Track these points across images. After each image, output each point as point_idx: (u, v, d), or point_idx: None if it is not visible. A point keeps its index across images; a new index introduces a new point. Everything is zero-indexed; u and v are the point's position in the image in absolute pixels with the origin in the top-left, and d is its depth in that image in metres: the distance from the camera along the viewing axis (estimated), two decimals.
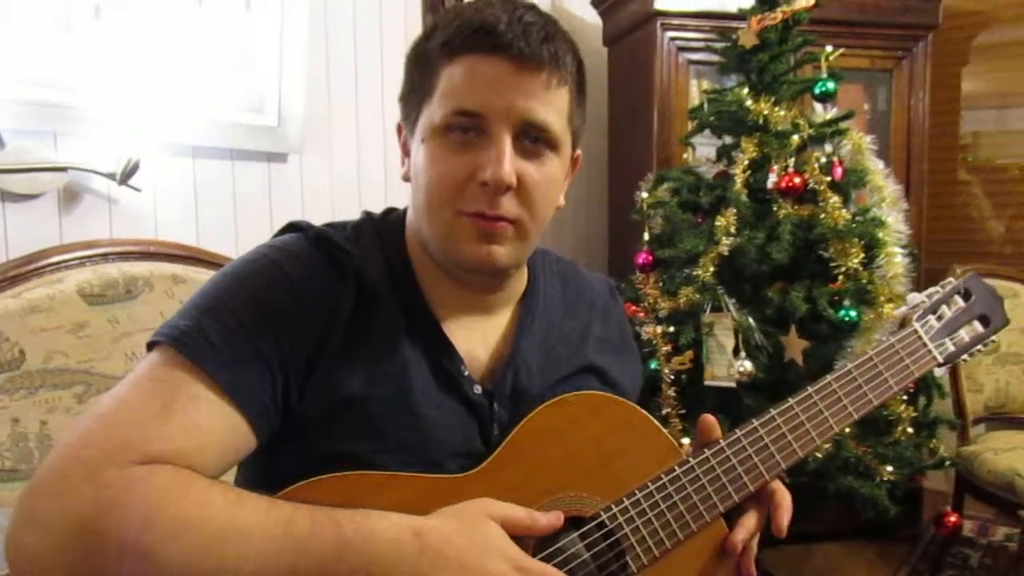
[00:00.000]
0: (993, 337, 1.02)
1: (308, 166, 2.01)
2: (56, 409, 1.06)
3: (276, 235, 0.84)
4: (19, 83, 1.45)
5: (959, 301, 1.01)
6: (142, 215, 1.67)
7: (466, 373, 0.82)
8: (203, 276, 1.22)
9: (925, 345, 0.96)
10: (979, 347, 1.01)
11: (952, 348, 0.98)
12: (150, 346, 0.74)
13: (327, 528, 0.66)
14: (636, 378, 1.00)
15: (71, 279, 1.12)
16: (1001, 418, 2.40)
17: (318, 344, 0.75)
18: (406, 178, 0.84)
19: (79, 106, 1.53)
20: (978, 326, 1.01)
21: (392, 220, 0.87)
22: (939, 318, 0.99)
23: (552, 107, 0.76)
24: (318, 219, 0.87)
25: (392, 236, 0.84)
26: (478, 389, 0.82)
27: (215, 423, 0.70)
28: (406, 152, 0.84)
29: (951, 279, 1.04)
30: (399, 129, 0.85)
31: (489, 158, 0.74)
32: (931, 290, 1.03)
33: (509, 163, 0.74)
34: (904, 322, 0.99)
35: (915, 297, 1.02)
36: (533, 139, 0.76)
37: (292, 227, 0.84)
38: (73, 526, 0.61)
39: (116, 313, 1.14)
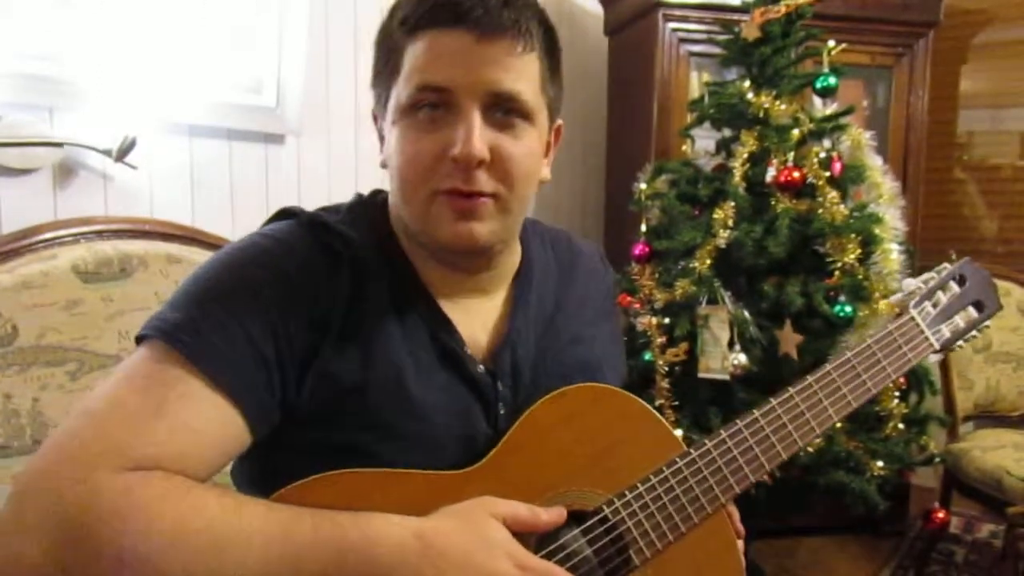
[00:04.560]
0: (987, 322, 1.01)
1: (306, 148, 1.99)
2: (49, 386, 1.06)
3: (267, 221, 0.82)
4: (16, 57, 1.43)
5: (954, 287, 1.00)
6: (138, 193, 1.66)
7: (468, 351, 0.80)
8: (199, 256, 1.21)
9: (923, 332, 0.95)
10: (974, 332, 1.00)
11: (948, 335, 0.97)
12: (139, 339, 0.71)
13: (330, 532, 0.65)
14: (617, 340, 0.99)
15: (65, 255, 1.11)
16: (990, 416, 2.41)
17: (316, 333, 0.73)
18: (384, 165, 0.81)
19: (76, 81, 1.51)
20: (972, 311, 1.00)
21: (381, 202, 0.85)
22: (935, 304, 0.98)
23: (520, 75, 0.74)
24: (314, 201, 0.86)
25: (382, 218, 0.83)
26: (481, 368, 0.81)
27: (209, 421, 0.68)
28: (382, 138, 0.82)
29: (946, 264, 1.02)
30: (375, 117, 0.83)
31: (458, 134, 0.72)
32: (926, 276, 1.02)
33: (479, 137, 0.72)
34: (900, 309, 0.98)
35: (911, 283, 1.00)
36: (505, 111, 0.74)
37: (284, 213, 0.81)
38: (68, 533, 0.59)
39: (110, 291, 1.13)
